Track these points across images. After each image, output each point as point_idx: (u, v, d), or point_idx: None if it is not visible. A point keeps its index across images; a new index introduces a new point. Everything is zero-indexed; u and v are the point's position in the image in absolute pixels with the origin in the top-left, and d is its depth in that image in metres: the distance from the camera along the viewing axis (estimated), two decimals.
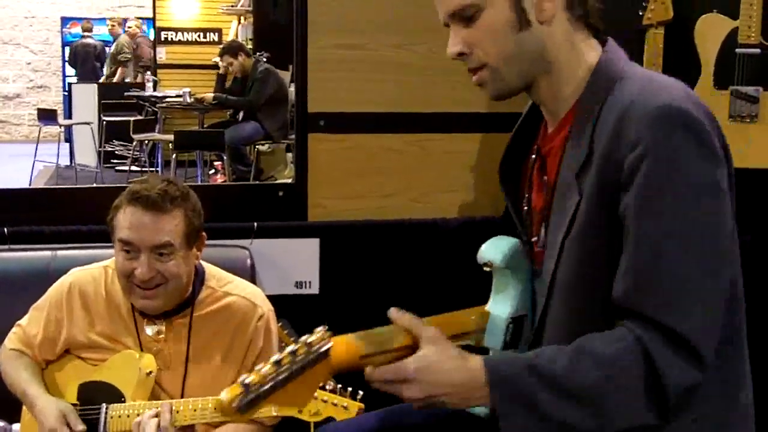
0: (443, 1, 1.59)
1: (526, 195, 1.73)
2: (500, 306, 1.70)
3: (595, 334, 1.45)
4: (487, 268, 1.73)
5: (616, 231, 1.45)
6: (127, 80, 12.65)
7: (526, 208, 1.73)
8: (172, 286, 2.43)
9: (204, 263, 2.62)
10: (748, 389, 1.59)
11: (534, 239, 1.69)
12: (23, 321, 2.65)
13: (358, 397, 1.96)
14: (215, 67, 10.49)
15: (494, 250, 1.72)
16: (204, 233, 2.53)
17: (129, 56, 12.67)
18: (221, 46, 10.16)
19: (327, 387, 1.82)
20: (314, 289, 3.54)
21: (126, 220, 2.37)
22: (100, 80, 13.00)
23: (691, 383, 1.42)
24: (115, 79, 12.69)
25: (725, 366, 1.50)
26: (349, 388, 1.88)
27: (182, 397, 2.46)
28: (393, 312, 1.55)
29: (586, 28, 1.61)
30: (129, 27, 13.24)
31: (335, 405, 1.93)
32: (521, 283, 1.71)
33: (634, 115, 1.44)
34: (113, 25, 13.53)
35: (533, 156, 1.71)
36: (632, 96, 1.47)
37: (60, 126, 11.23)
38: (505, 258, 1.70)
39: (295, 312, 3.30)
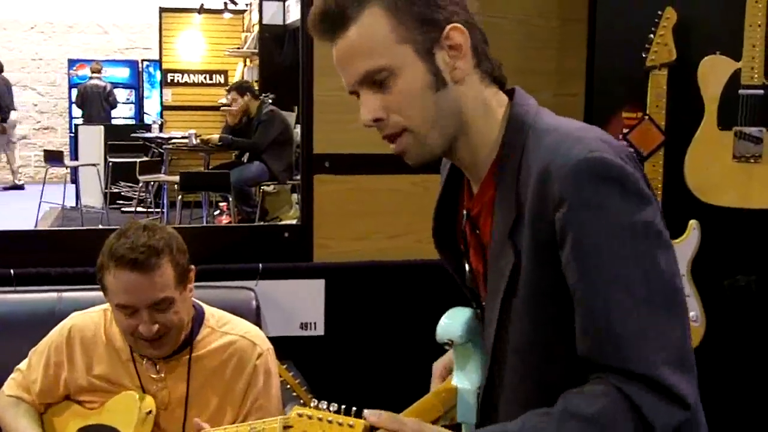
0: (350, 69, 1.55)
1: (465, 258, 1.71)
2: (466, 379, 1.68)
3: (574, 394, 1.42)
4: (447, 347, 1.70)
5: (564, 288, 1.44)
6: None
7: (468, 271, 1.71)
8: (176, 331, 2.44)
9: (203, 304, 2.62)
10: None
11: (483, 303, 1.66)
12: (22, 365, 2.65)
13: (363, 415, 1.94)
14: (221, 108, 10.57)
15: (452, 326, 1.68)
16: (192, 267, 2.49)
17: None
18: (234, 82, 10.21)
19: (331, 408, 1.81)
20: (320, 331, 3.54)
21: (117, 284, 2.35)
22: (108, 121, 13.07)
23: (678, 423, 1.41)
24: None
25: None
26: (354, 408, 1.87)
27: None
28: (368, 416, 1.55)
29: (493, 83, 1.59)
30: None
31: (341, 425, 1.91)
32: (483, 351, 1.68)
33: (554, 173, 1.42)
34: None
35: (464, 218, 1.68)
36: (549, 153, 1.45)
37: (66, 167, 11.28)
38: (465, 332, 1.67)
39: (300, 353, 3.30)
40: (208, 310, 2.62)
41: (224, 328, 2.58)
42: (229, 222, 8.46)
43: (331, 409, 1.85)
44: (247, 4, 11.94)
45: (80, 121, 13.24)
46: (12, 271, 3.24)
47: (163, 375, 2.51)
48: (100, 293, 2.43)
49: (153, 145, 11.01)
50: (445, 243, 1.76)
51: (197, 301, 2.59)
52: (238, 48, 11.87)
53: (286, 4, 10.08)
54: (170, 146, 10.30)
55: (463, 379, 1.68)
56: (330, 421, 1.96)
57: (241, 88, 8.92)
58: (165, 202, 9.62)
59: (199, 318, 2.56)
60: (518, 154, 1.52)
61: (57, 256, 3.38)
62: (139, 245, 2.34)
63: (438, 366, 1.83)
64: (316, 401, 1.95)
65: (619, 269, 1.39)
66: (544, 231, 1.44)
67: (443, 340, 1.68)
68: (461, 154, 1.61)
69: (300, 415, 2.01)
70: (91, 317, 2.61)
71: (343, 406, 1.85)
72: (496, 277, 1.54)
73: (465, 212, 1.67)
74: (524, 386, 1.55)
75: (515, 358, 1.54)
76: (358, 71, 1.54)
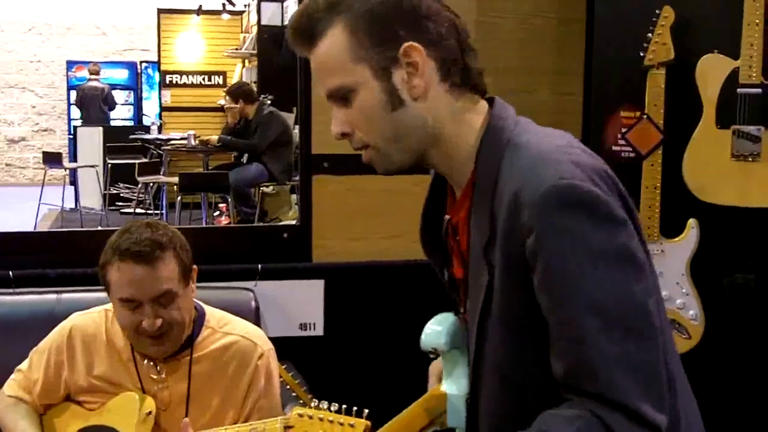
0: (320, 84, 1.60)
1: (446, 264, 1.72)
2: (455, 385, 1.69)
3: (551, 415, 1.42)
4: (432, 356, 1.71)
5: (537, 311, 1.43)
6: None
7: (448, 278, 1.72)
8: (178, 329, 2.44)
9: (203, 304, 2.62)
10: None
11: (462, 310, 1.68)
12: (23, 366, 2.65)
13: (364, 414, 1.95)
14: (220, 109, 10.57)
15: (436, 335, 1.69)
16: (195, 266, 2.51)
17: None
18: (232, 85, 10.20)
19: (332, 408, 1.81)
20: (319, 331, 3.54)
21: (121, 277, 2.36)
22: (107, 123, 13.07)
23: None
24: None
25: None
26: (354, 407, 1.87)
27: None
28: None
29: (469, 91, 1.58)
30: None
31: (341, 425, 1.92)
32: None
33: (524, 200, 1.42)
34: None
35: (445, 225, 1.69)
36: (521, 176, 1.45)
37: (65, 169, 11.28)
38: (448, 340, 1.68)
39: (299, 354, 3.30)
40: (209, 310, 2.62)
41: (225, 328, 2.59)
42: (229, 223, 8.46)
43: (331, 409, 1.86)
44: (245, 5, 11.95)
45: (79, 122, 13.23)
46: (11, 272, 3.25)
47: (163, 375, 2.51)
48: (100, 294, 2.44)
49: (152, 146, 11.00)
50: (432, 245, 1.76)
51: (198, 302, 2.59)
52: (237, 49, 11.86)
53: (285, 4, 10.08)
54: (169, 147, 10.31)
55: (452, 384, 1.69)
56: (331, 421, 1.97)
57: (234, 94, 8.86)
58: (164, 203, 9.63)
59: (200, 319, 2.57)
60: (494, 171, 1.51)
61: (56, 257, 3.39)
62: (143, 239, 2.36)
63: (434, 368, 1.83)
64: (317, 401, 1.95)
65: (591, 294, 1.38)
66: (515, 255, 1.44)
67: (427, 350, 1.69)
68: (437, 164, 1.62)
69: (301, 415, 2.01)
70: (91, 317, 2.61)
71: (344, 406, 1.86)
72: (475, 293, 1.55)
73: (446, 219, 1.68)
74: (502, 401, 1.55)
75: (492, 375, 1.55)
76: (324, 87, 1.58)
